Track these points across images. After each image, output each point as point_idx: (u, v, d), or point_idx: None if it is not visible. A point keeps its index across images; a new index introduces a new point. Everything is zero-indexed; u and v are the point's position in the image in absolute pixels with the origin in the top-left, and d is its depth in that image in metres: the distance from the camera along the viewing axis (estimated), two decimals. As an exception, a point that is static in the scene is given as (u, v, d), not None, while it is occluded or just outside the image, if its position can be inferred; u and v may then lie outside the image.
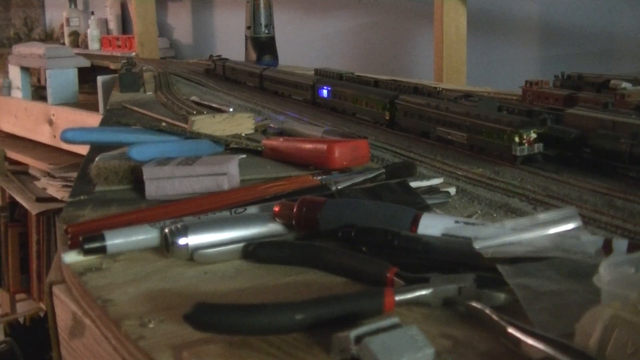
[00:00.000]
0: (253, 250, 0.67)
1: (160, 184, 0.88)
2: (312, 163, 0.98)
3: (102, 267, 0.68)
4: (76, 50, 3.27)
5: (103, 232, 0.70)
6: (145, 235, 0.71)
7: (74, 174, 2.78)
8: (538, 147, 0.96)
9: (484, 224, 0.64)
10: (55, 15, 4.53)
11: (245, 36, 2.26)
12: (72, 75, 2.86)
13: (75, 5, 4.08)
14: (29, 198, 2.93)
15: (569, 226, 0.61)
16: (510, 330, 0.48)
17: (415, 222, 0.67)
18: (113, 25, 3.86)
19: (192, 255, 0.68)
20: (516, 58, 2.12)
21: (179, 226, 0.69)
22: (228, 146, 1.10)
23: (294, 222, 0.70)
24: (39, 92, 3.10)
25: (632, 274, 0.50)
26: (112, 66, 2.88)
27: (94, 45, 3.67)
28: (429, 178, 0.88)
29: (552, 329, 0.49)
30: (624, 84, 1.21)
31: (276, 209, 0.72)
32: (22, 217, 3.19)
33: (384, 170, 0.89)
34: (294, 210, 0.70)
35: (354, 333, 0.48)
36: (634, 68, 1.83)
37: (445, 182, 0.89)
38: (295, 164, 1.00)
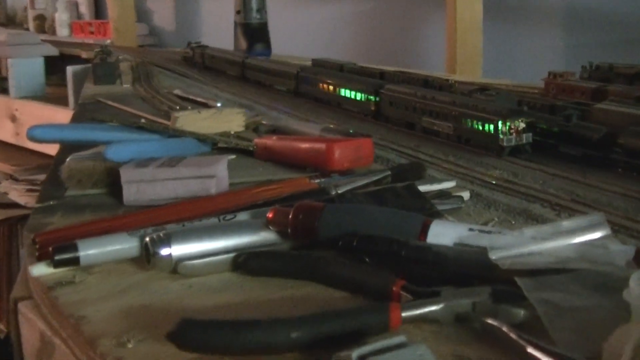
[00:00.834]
0: (244, 261, 0.68)
1: (140, 187, 0.89)
2: (310, 164, 0.98)
3: (75, 281, 0.69)
4: (42, 37, 3.27)
5: (76, 242, 0.71)
6: (123, 245, 0.72)
7: (41, 177, 2.79)
8: (527, 138, 1.02)
9: (501, 232, 0.65)
10: (19, -4, 4.53)
11: (235, 22, 2.26)
12: (38, 65, 2.86)
13: (42, -14, 4.08)
14: (-13, 204, 2.93)
15: (597, 235, 0.62)
16: (530, 350, 0.49)
17: (424, 229, 0.67)
18: (84, 8, 3.86)
19: (175, 267, 0.69)
20: (538, 47, 2.13)
21: (161, 234, 0.70)
22: (216, 145, 1.11)
23: (289, 230, 0.71)
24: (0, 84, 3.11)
25: (665, 287, 0.50)
26: (84, 55, 2.89)
27: (62, 31, 3.67)
28: (439, 181, 0.89)
29: (577, 349, 0.49)
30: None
31: (270, 215, 0.72)
32: (-21, 226, 3.17)
33: (389, 172, 0.90)
34: (290, 216, 0.71)
35: (356, 353, 0.49)
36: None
37: (458, 185, 0.90)
38: (291, 166, 1.01)
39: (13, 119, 2.84)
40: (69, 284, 0.68)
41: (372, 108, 1.30)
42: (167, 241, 0.69)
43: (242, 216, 0.77)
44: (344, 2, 2.71)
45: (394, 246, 0.65)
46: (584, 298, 0.55)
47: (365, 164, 0.97)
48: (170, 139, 1.08)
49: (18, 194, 2.84)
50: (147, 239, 0.70)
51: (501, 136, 1.02)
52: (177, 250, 0.69)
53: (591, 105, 1.08)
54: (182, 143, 1.07)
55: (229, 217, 0.77)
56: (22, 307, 0.72)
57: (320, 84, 1.49)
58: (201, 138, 1.09)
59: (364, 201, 0.79)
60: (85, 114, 1.47)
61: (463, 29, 2.07)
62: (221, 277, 0.68)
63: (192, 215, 0.79)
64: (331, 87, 1.45)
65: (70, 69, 2.46)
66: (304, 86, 1.56)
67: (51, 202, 0.93)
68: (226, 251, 0.70)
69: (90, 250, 0.71)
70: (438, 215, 0.77)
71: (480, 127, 1.05)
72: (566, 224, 0.62)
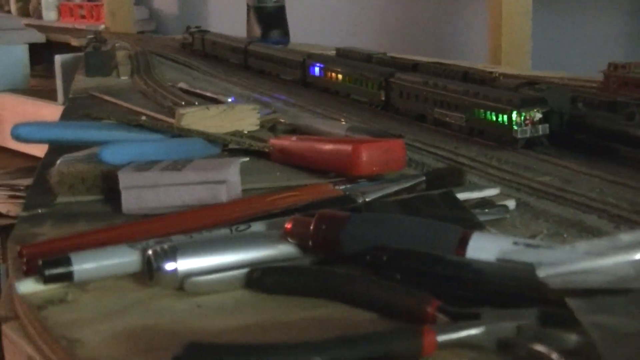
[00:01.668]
0: (259, 278, 0.69)
1: (141, 194, 0.90)
2: (333, 168, 1.00)
3: (68, 299, 0.70)
4: (26, 21, 3.30)
5: (69, 255, 0.72)
6: (122, 259, 0.73)
7: (25, 181, 2.80)
8: (543, 129, 1.07)
9: (551, 246, 0.66)
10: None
11: (247, 5, 2.27)
12: (22, 53, 2.89)
13: (26, -37, 4.10)
14: (-39, 212, 2.94)
15: (660, 250, 0.62)
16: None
17: (462, 243, 0.68)
18: (75, -11, 3.87)
19: (182, 284, 0.70)
20: (597, 34, 2.13)
21: (165, 247, 0.71)
22: (226, 147, 1.12)
23: (310, 243, 0.72)
24: (-23, 76, 3.13)
25: None
26: (75, 42, 2.90)
27: (49, 15, 3.69)
28: (481, 188, 0.89)
29: (635, 379, 0.50)
30: None
31: (288, 226, 0.73)
32: (-46, 237, 3.19)
33: (424, 178, 0.91)
34: (310, 227, 0.72)
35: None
36: None
37: (502, 192, 0.91)
38: (312, 170, 1.02)
39: (-7, 115, 2.86)
40: (61, 303, 0.69)
41: (382, 98, 1.37)
42: (172, 254, 0.70)
43: (257, 227, 0.78)
44: (373, -18, 2.72)
45: (429, 262, 0.65)
46: (644, 322, 0.56)
47: (396, 168, 0.98)
48: (174, 139, 1.09)
49: (-2, 201, 2.86)
50: (150, 251, 0.71)
51: (515, 127, 1.07)
52: (183, 264, 0.70)
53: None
54: (188, 144, 1.08)
55: (241, 227, 0.78)
56: (7, 329, 0.72)
57: (328, 73, 1.54)
58: (210, 138, 1.10)
59: (394, 210, 0.79)
60: (76, 110, 1.48)
61: (509, 14, 2.07)
62: (233, 295, 0.69)
63: (200, 225, 0.80)
64: (339, 76, 1.51)
65: (58, 58, 2.48)
66: (311, 75, 1.61)
67: (39, 210, 0.94)
68: (239, 266, 0.71)
69: (85, 264, 0.72)
70: (479, 226, 0.78)
71: (494, 118, 1.10)
72: (626, 238, 0.63)
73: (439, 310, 0.60)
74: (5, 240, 2.85)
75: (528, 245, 0.67)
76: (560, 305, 0.58)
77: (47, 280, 0.71)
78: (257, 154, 1.11)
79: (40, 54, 3.07)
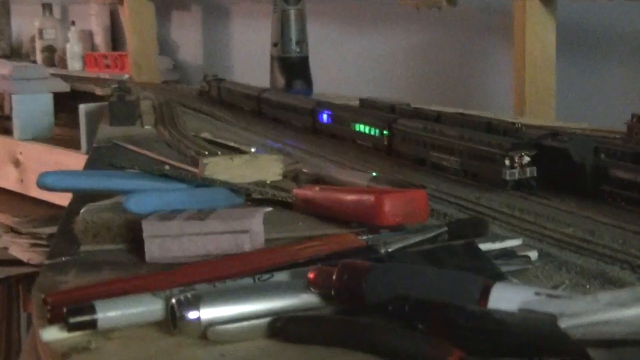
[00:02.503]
0: (282, 327, 0.70)
1: (165, 243, 0.91)
2: (356, 219, 1.00)
3: (91, 347, 0.71)
4: (51, 71, 3.32)
5: (93, 303, 0.73)
6: (146, 307, 0.74)
7: (47, 230, 2.82)
8: (531, 171, 1.15)
9: (573, 297, 0.66)
10: (25, 25, 4.57)
11: (271, 56, 2.29)
12: (46, 102, 2.90)
13: (51, 13, 4.12)
14: (-16, 260, 2.95)
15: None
16: None
17: (485, 293, 0.69)
18: (100, 39, 3.90)
19: (205, 332, 0.70)
20: (620, 85, 2.14)
21: (189, 296, 0.72)
22: (250, 196, 1.13)
23: (332, 292, 0.73)
24: (1, 124, 3.15)
25: None
26: (99, 92, 2.92)
27: (74, 65, 3.72)
28: (503, 239, 0.90)
29: None
30: None
31: (311, 275, 0.74)
32: (-25, 285, 3.19)
33: (446, 228, 0.92)
34: (333, 277, 0.73)
35: None
36: None
37: (524, 243, 0.91)
38: (335, 220, 1.03)
39: (17, 163, 2.87)
40: (85, 351, 0.70)
41: (385, 143, 1.45)
42: (195, 303, 0.71)
43: (280, 276, 0.79)
44: (396, 33, 2.73)
45: (451, 312, 0.66)
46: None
47: (418, 219, 0.99)
48: (198, 189, 1.10)
49: (20, 250, 2.86)
50: (173, 300, 0.72)
51: (504, 170, 1.15)
52: (206, 313, 0.71)
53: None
54: (211, 193, 1.09)
55: (265, 277, 0.78)
56: (31, 376, 0.74)
57: (336, 120, 1.61)
58: (233, 188, 1.11)
59: (416, 261, 0.80)
60: (101, 159, 1.50)
61: (533, 65, 2.07)
62: (256, 344, 0.70)
63: (223, 274, 0.80)
64: (346, 123, 1.59)
65: (82, 108, 2.50)
66: (319, 122, 1.68)
67: (63, 259, 0.95)
68: (262, 315, 0.71)
69: (109, 313, 0.73)
70: (501, 277, 0.78)
71: (485, 161, 1.19)
72: (647, 289, 0.63)
73: (461, 361, 0.60)
74: (26, 289, 2.87)
75: (550, 296, 0.67)
76: (582, 357, 0.58)
77: (71, 328, 0.72)
78: (280, 204, 1.12)
79: (65, 103, 3.09)
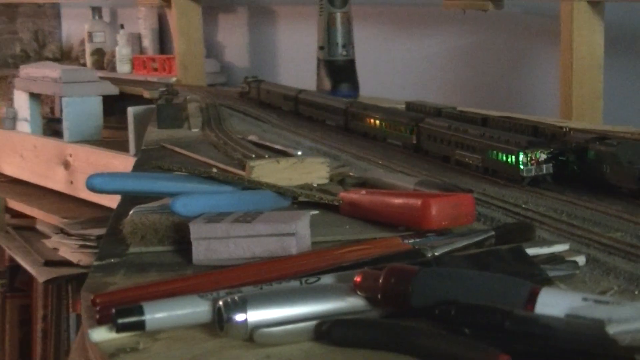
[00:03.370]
0: (328, 330, 0.70)
1: (211, 245, 0.92)
2: (403, 222, 1.00)
3: (139, 348, 0.71)
4: (100, 74, 3.34)
5: (141, 304, 0.73)
6: (193, 309, 0.74)
7: (96, 231, 2.84)
8: (547, 168, 1.21)
9: (621, 302, 0.66)
10: (74, 28, 4.61)
11: (318, 59, 2.30)
12: (95, 105, 2.93)
13: (100, 17, 4.16)
14: (34, 261, 2.97)
15: None
16: None
17: (531, 298, 0.68)
18: (148, 42, 3.93)
19: (251, 335, 0.71)
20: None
21: (235, 298, 0.72)
22: (296, 199, 1.14)
23: (379, 296, 0.73)
24: (52, 126, 3.18)
25: None
26: (147, 94, 2.94)
27: (123, 68, 3.75)
28: (550, 244, 0.89)
29: None
30: None
31: (357, 279, 0.74)
32: (26, 285, 3.21)
33: (493, 233, 0.92)
34: (380, 281, 0.73)
35: None
36: None
37: (572, 248, 0.91)
38: (381, 224, 1.03)
39: (66, 165, 2.90)
40: (133, 351, 0.71)
41: (413, 142, 1.51)
42: (242, 305, 0.71)
43: (326, 279, 0.79)
44: (443, 36, 2.73)
45: (497, 316, 0.66)
46: None
47: (465, 222, 0.99)
48: (245, 192, 1.10)
49: (69, 251, 2.89)
50: (220, 302, 0.72)
51: (521, 166, 1.20)
52: (253, 315, 0.71)
53: None
54: (258, 196, 1.09)
55: (311, 280, 0.79)
56: (80, 376, 0.74)
57: (367, 119, 1.70)
58: (280, 191, 1.11)
59: (463, 265, 0.80)
60: (148, 161, 1.51)
61: (580, 67, 2.06)
62: (302, 347, 0.70)
63: (269, 277, 0.81)
64: (377, 122, 1.66)
65: (131, 110, 2.52)
66: (353, 121, 1.74)
67: (112, 260, 0.96)
68: (308, 318, 0.72)
69: (157, 314, 0.73)
70: (548, 282, 0.78)
71: (503, 158, 1.24)
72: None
73: (508, 366, 0.60)
74: (75, 290, 2.89)
75: (598, 302, 0.66)
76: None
77: (119, 329, 0.73)
78: (327, 207, 1.12)
79: (114, 106, 3.12)
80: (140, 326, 0.73)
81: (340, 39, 2.25)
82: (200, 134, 1.84)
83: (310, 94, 2.05)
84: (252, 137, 1.68)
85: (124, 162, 2.53)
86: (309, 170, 1.25)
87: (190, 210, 0.98)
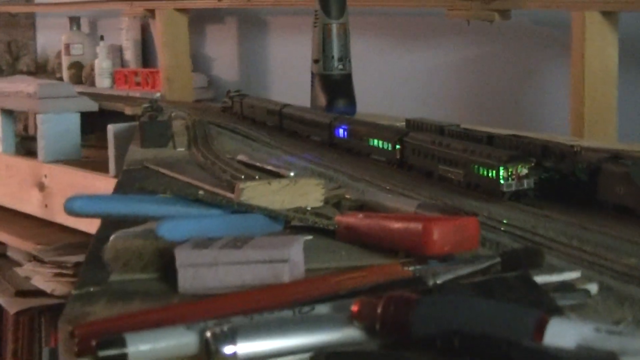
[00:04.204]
0: (323, 363, 0.71)
1: (199, 272, 0.92)
2: (403, 248, 1.01)
3: (121, 382, 0.72)
4: (78, 89, 3.35)
5: (123, 335, 0.74)
6: (179, 340, 0.75)
7: (72, 258, 2.83)
8: (528, 183, 1.26)
9: (636, 333, 0.66)
10: (51, 39, 4.60)
11: (312, 73, 2.30)
12: (73, 122, 2.93)
13: (79, 27, 4.16)
14: (5, 291, 2.97)
15: None
16: None
17: (540, 328, 0.69)
18: (130, 55, 3.94)
19: (242, 368, 0.71)
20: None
21: (224, 329, 0.72)
22: (289, 223, 1.14)
23: (377, 326, 0.73)
24: (26, 145, 3.19)
25: None
26: (129, 111, 2.95)
27: (103, 82, 3.76)
28: (561, 270, 0.90)
29: None
30: None
31: (354, 308, 0.75)
32: (-5, 316, 3.21)
33: (499, 259, 0.92)
34: (378, 310, 0.73)
35: None
36: None
37: (583, 276, 0.91)
38: (380, 249, 1.04)
39: (41, 187, 2.90)
40: (115, 386, 0.71)
41: (397, 157, 1.57)
42: (231, 337, 0.72)
43: (322, 308, 0.79)
44: (445, 48, 2.74)
45: (503, 347, 0.66)
46: None
47: (469, 248, 0.99)
48: (234, 215, 1.10)
49: (43, 280, 2.87)
50: (208, 333, 0.73)
51: (502, 181, 1.26)
52: (243, 347, 0.71)
53: None
54: (248, 220, 1.09)
55: (305, 309, 0.79)
56: (58, 411, 0.75)
57: (351, 134, 1.75)
58: (272, 214, 1.12)
59: (467, 293, 0.80)
60: (131, 182, 1.51)
61: (593, 82, 2.07)
62: (295, 381, 0.70)
63: (261, 306, 0.81)
64: (361, 137, 1.71)
65: (111, 128, 2.53)
66: (336, 137, 1.80)
67: (92, 289, 0.96)
68: (302, 350, 0.72)
69: (140, 346, 0.74)
70: (558, 311, 0.78)
71: (485, 173, 1.30)
72: None
73: (514, 400, 0.61)
74: (50, 322, 2.88)
75: (611, 332, 0.67)
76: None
77: (100, 362, 0.73)
78: (322, 232, 1.12)
79: (93, 123, 3.12)
80: (122, 359, 0.73)
81: (336, 52, 2.26)
82: (186, 154, 1.84)
83: (294, 108, 2.09)
84: (242, 157, 1.68)
85: (104, 184, 2.54)
86: (302, 192, 1.25)
87: (176, 235, 0.98)
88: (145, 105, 2.25)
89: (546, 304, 0.79)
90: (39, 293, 2.86)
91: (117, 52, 3.93)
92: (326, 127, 1.85)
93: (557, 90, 2.39)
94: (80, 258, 2.59)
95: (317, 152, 1.78)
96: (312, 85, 2.31)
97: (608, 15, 2.05)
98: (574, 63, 2.10)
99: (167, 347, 0.75)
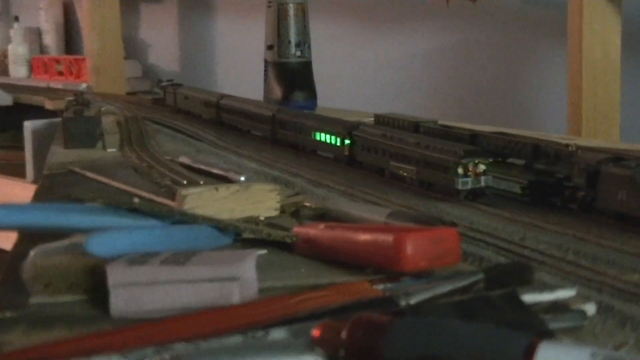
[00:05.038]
0: (280, 396, 0.72)
1: (135, 293, 0.92)
2: (371, 263, 1.02)
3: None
4: (-11, 79, 3.34)
5: (46, 367, 0.75)
6: (112, 372, 0.76)
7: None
8: (485, 180, 1.32)
9: (638, 359, 0.68)
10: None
11: (265, 61, 2.31)
12: (-18, 119, 2.93)
13: (-11, 7, 4.16)
14: None
15: None
16: None
17: (529, 354, 0.70)
18: (51, 39, 3.93)
19: (185, 403, 0.72)
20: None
21: (166, 358, 0.73)
22: (240, 236, 1.15)
23: (342, 353, 0.74)
24: None
25: None
26: (50, 105, 2.94)
27: (19, 71, 3.74)
28: (553, 288, 0.91)
29: None
30: None
31: (316, 332, 0.75)
32: None
33: (482, 275, 0.93)
34: (343, 334, 0.74)
35: None
36: None
37: (579, 294, 0.92)
38: (345, 265, 1.04)
39: (-56, 195, 2.89)
40: None
41: (346, 153, 1.63)
42: (174, 367, 0.73)
43: (278, 333, 0.80)
44: (420, 33, 2.74)
45: (488, 377, 0.67)
46: None
47: (449, 262, 1.00)
48: (175, 227, 1.11)
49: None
50: (147, 363, 0.74)
51: (457, 178, 1.31)
52: (187, 379, 0.72)
53: None
54: (192, 232, 1.10)
55: (259, 334, 0.79)
56: None
57: (296, 129, 1.81)
58: (219, 225, 1.12)
59: (446, 314, 0.81)
60: (53, 189, 1.51)
61: (592, 73, 2.08)
62: (248, 417, 0.71)
63: (208, 331, 0.81)
64: (306, 132, 1.77)
65: (28, 125, 2.52)
66: (280, 131, 1.88)
67: (7, 314, 0.96)
68: (255, 381, 0.73)
69: (67, 379, 0.75)
70: (549, 335, 0.79)
71: (439, 170, 1.35)
72: None
73: None
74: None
75: (610, 358, 0.68)
76: None
77: (20, 397, 0.74)
78: (278, 245, 1.13)
79: (7, 119, 3.11)
80: (45, 395, 0.74)
81: (293, 37, 2.27)
82: (118, 155, 1.84)
83: (234, 99, 2.12)
84: (184, 159, 1.68)
85: (21, 191, 2.53)
86: (255, 199, 1.26)
87: (108, 251, 0.98)
88: (70, 98, 2.25)
89: (536, 327, 0.80)
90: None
91: (35, 35, 3.91)
92: (268, 120, 1.89)
93: (551, 81, 2.41)
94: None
95: (257, 148, 1.82)
96: (266, 76, 2.31)
97: (610, -6, 2.07)
98: (571, 50, 2.11)
99: (99, 380, 0.75)
